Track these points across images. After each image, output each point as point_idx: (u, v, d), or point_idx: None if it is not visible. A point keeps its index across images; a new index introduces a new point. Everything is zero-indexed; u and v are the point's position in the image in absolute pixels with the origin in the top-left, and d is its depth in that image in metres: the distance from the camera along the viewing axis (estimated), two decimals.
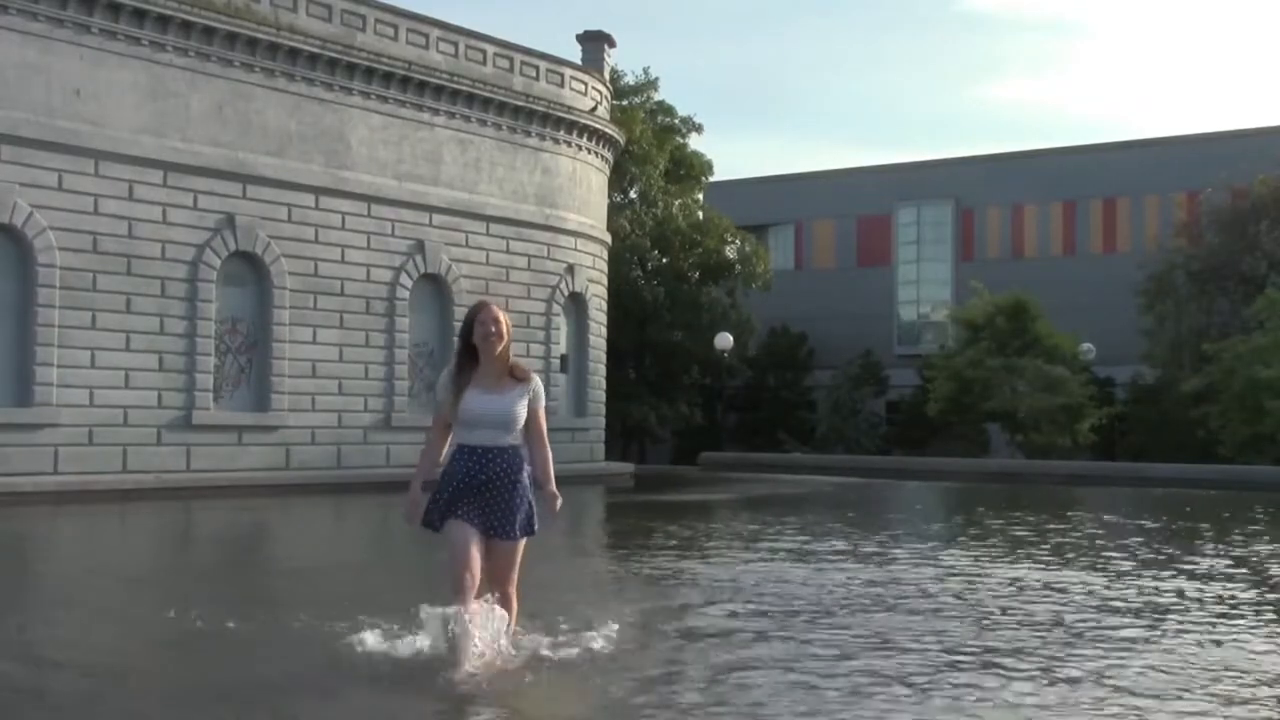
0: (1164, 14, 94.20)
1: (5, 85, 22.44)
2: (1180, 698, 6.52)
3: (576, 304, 32.99)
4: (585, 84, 33.15)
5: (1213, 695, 6.61)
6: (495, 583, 6.68)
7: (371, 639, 7.06)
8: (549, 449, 6.79)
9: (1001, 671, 7.09)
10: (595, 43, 35.40)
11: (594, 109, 33.21)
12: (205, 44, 25.07)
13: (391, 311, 28.27)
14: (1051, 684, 6.81)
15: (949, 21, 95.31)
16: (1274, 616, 9.58)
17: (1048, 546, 14.70)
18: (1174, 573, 12.07)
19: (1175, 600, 10.19)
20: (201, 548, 16.67)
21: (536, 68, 31.68)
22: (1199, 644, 8.12)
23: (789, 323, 49.62)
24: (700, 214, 45.62)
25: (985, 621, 8.91)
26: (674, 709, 6.20)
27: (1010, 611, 9.40)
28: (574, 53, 34.75)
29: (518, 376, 6.72)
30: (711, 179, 47.11)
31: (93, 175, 23.55)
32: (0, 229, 22.58)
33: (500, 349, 6.65)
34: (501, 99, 30.42)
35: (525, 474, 6.66)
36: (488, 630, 6.51)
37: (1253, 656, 7.73)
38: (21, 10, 22.56)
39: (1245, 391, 33.14)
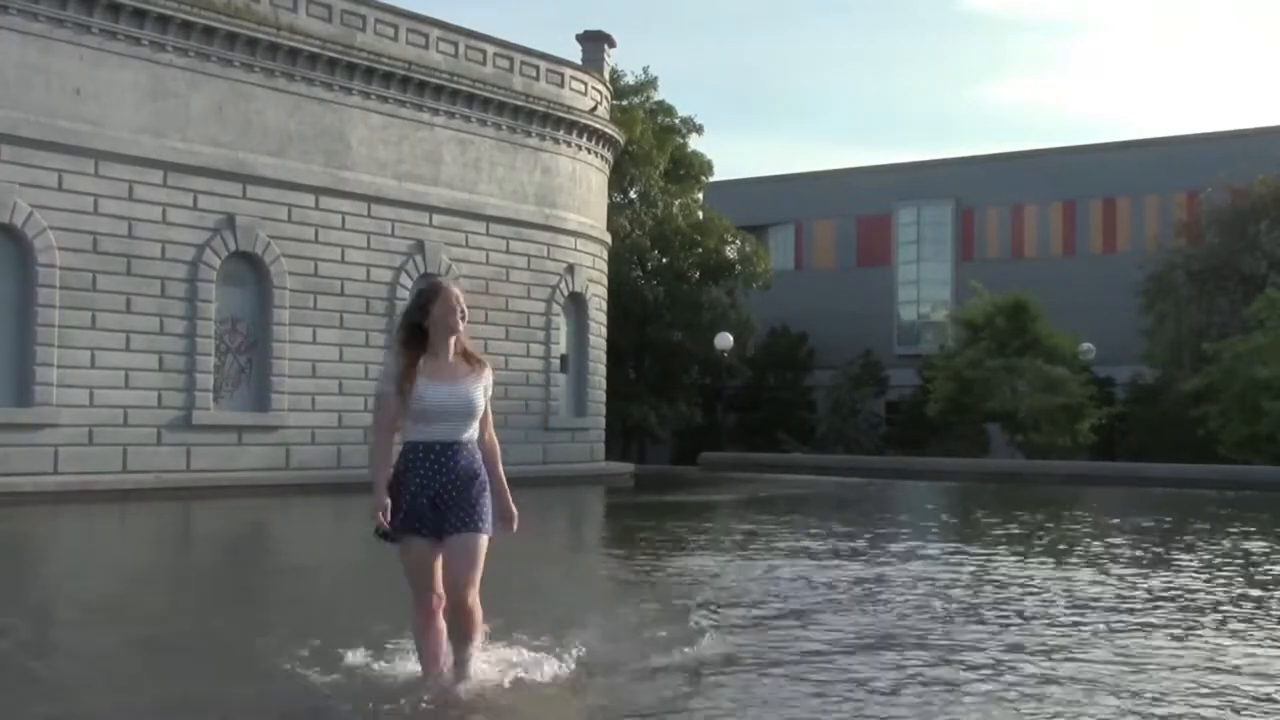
0: (1164, 14, 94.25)
1: (5, 85, 22.44)
2: (1150, 695, 6.53)
3: (576, 304, 32.99)
4: (585, 84, 33.15)
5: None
6: (452, 588, 5.88)
7: (351, 657, 6.69)
8: (498, 447, 6.14)
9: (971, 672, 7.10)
10: (595, 43, 35.39)
11: (594, 109, 33.21)
12: (205, 44, 25.07)
13: (391, 311, 28.23)
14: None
15: (949, 21, 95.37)
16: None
17: (1047, 545, 14.72)
18: (1171, 571, 12.08)
19: (1154, 599, 10.21)
20: (201, 548, 16.68)
21: (536, 68, 31.68)
22: (1172, 639, 8.14)
23: (789, 323, 49.61)
24: (700, 214, 45.62)
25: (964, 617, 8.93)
26: None
27: (1001, 606, 9.41)
28: (574, 53, 34.76)
29: (472, 363, 5.99)
30: (711, 179, 47.10)
31: (93, 175, 23.55)
32: (0, 229, 22.59)
33: (455, 335, 5.99)
34: (501, 99, 30.43)
35: (484, 470, 6.03)
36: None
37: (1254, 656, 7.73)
38: (21, 10, 22.57)
39: (1244, 391, 33.14)
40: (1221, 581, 11.46)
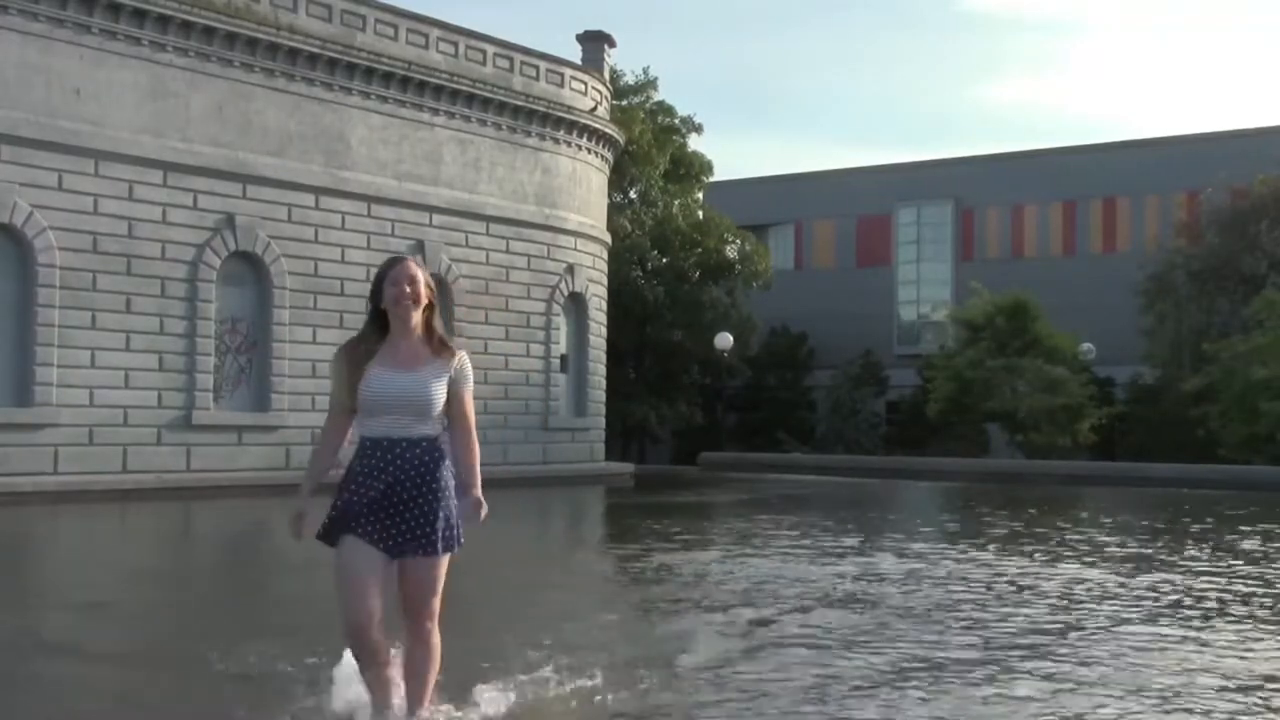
0: (1164, 14, 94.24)
1: (5, 85, 22.44)
2: (1125, 697, 6.54)
3: (576, 304, 32.99)
4: (585, 84, 33.16)
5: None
6: (410, 616, 5.27)
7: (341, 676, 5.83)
8: (476, 444, 5.29)
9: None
10: (595, 43, 35.40)
11: (594, 109, 33.22)
12: (205, 44, 25.08)
13: None
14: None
15: (949, 21, 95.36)
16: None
17: (1048, 543, 14.73)
18: (1164, 570, 12.10)
19: (1131, 598, 10.22)
20: (200, 548, 16.68)
21: (536, 68, 31.68)
22: (1156, 640, 8.15)
23: (789, 323, 49.60)
24: (700, 214, 45.61)
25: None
26: None
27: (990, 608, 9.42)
28: (574, 53, 34.77)
29: (437, 350, 5.21)
30: (711, 179, 47.09)
31: (93, 175, 23.55)
32: (0, 229, 22.59)
33: (417, 317, 5.18)
34: (501, 99, 30.43)
35: (446, 473, 5.19)
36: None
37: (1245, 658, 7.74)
38: (21, 10, 22.57)
39: (1244, 392, 33.15)
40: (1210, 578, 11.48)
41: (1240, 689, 6.79)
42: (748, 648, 7.84)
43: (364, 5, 28.01)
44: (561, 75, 32.37)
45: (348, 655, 5.35)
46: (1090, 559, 13.43)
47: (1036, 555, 13.66)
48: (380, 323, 5.20)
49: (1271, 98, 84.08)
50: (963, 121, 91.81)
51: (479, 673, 6.50)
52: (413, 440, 5.13)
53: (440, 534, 5.16)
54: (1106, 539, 16.12)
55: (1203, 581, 11.41)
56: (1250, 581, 11.55)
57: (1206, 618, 9.27)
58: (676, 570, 12.16)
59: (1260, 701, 6.52)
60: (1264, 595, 10.65)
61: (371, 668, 5.20)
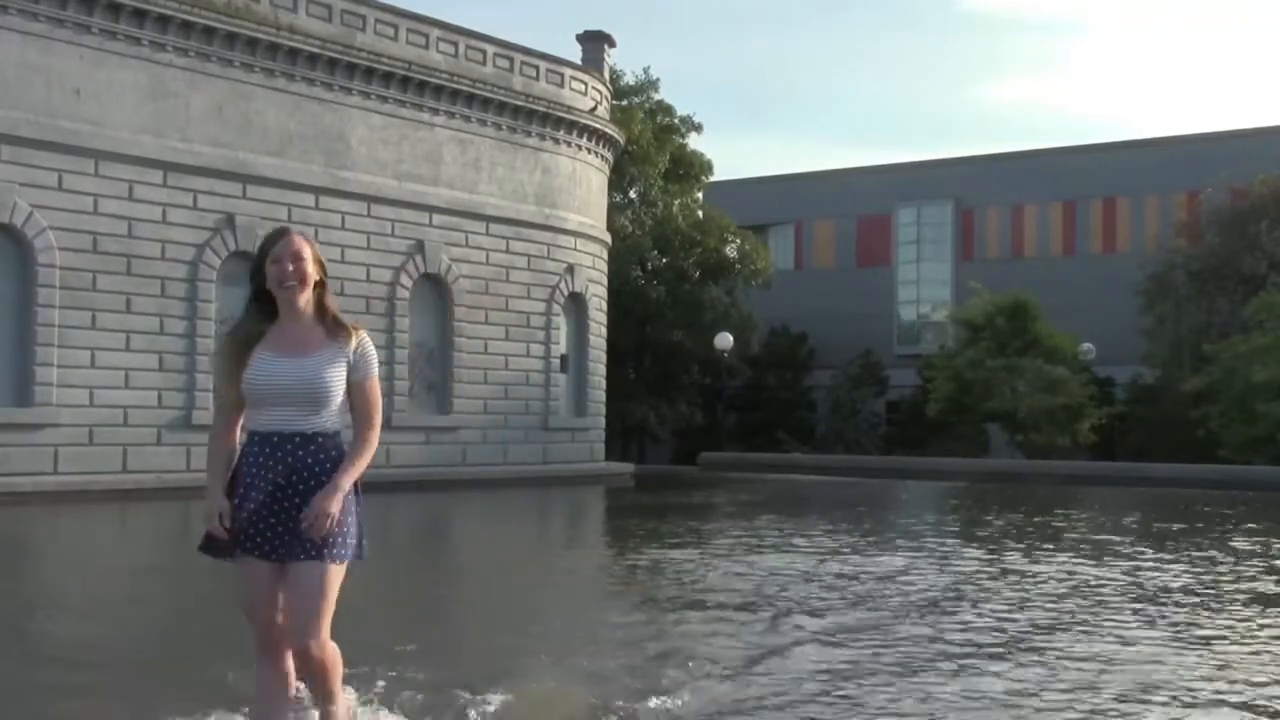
0: (1164, 14, 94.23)
1: (5, 85, 22.44)
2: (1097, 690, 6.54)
3: (576, 304, 32.99)
4: (585, 84, 33.15)
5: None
6: (292, 632, 4.54)
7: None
8: (372, 444, 4.58)
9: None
10: (595, 43, 35.39)
11: (594, 109, 33.21)
12: (205, 44, 25.07)
13: (391, 311, 28.27)
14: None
15: (949, 21, 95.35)
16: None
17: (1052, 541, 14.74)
18: (1149, 566, 12.11)
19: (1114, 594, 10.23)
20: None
21: (536, 68, 31.68)
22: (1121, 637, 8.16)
23: (789, 323, 49.59)
24: (700, 214, 45.60)
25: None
26: None
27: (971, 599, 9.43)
28: (574, 53, 34.76)
29: (331, 331, 4.58)
30: (711, 179, 47.09)
31: (93, 175, 23.55)
32: (0, 229, 22.59)
33: (306, 297, 4.56)
34: (501, 99, 30.42)
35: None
36: None
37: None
38: (21, 10, 22.57)
39: (1243, 393, 33.16)
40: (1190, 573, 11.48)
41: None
42: (755, 647, 7.84)
43: (364, 5, 28.00)
44: (561, 75, 32.36)
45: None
46: (1092, 556, 13.44)
47: (1033, 552, 13.67)
48: (266, 305, 4.58)
49: (1271, 98, 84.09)
50: (963, 121, 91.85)
51: (496, 674, 6.49)
52: (306, 435, 4.48)
53: (334, 539, 4.46)
54: (1092, 536, 16.12)
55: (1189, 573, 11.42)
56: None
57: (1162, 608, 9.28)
58: (678, 570, 12.16)
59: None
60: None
61: (267, 683, 4.67)
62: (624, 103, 41.79)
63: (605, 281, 34.72)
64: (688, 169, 45.31)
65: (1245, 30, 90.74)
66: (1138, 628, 8.81)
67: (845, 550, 14.06)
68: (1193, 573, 12.19)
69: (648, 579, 11.72)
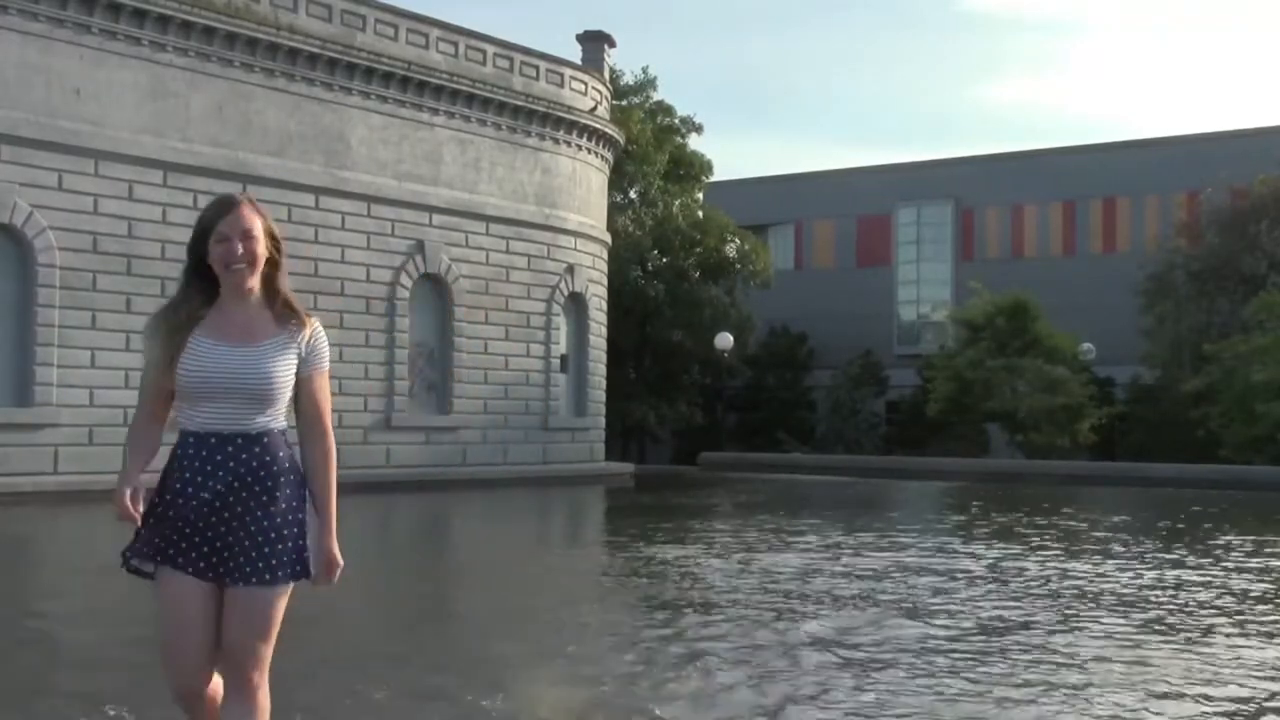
0: (1164, 14, 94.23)
1: (5, 85, 22.44)
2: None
3: (576, 304, 32.98)
4: (585, 84, 33.15)
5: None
6: (230, 662, 3.84)
7: None
8: (334, 455, 3.97)
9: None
10: (595, 43, 35.40)
11: (594, 109, 33.21)
12: (205, 44, 25.07)
13: (391, 311, 28.27)
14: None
15: (949, 21, 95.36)
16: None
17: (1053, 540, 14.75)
18: (1135, 565, 12.12)
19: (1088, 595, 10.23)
20: None
21: (536, 68, 31.68)
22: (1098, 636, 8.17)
23: (789, 323, 49.60)
24: (700, 214, 45.61)
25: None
26: None
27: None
28: (574, 53, 34.77)
29: (281, 318, 3.91)
30: (711, 179, 47.11)
31: (93, 175, 23.55)
32: (0, 229, 22.59)
33: (251, 280, 3.87)
34: (501, 99, 30.42)
35: (293, 479, 3.87)
36: None
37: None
38: (21, 10, 22.56)
39: (1243, 393, 33.17)
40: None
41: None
42: (755, 647, 7.84)
43: (364, 5, 28.00)
44: (561, 75, 32.36)
45: None
46: (1091, 555, 13.45)
47: (1027, 550, 13.68)
48: (204, 282, 3.86)
49: (1271, 98, 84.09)
50: (963, 121, 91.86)
51: (494, 676, 6.48)
52: (250, 436, 3.81)
53: (278, 559, 3.78)
54: (1078, 535, 16.13)
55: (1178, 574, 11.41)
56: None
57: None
58: (678, 571, 12.16)
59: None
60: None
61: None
62: (623, 102, 41.80)
63: (605, 281, 34.72)
64: (688, 169, 45.34)
65: (1245, 30, 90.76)
66: (1122, 625, 8.82)
67: (844, 550, 14.06)
68: (1168, 572, 12.19)
69: (648, 580, 11.72)
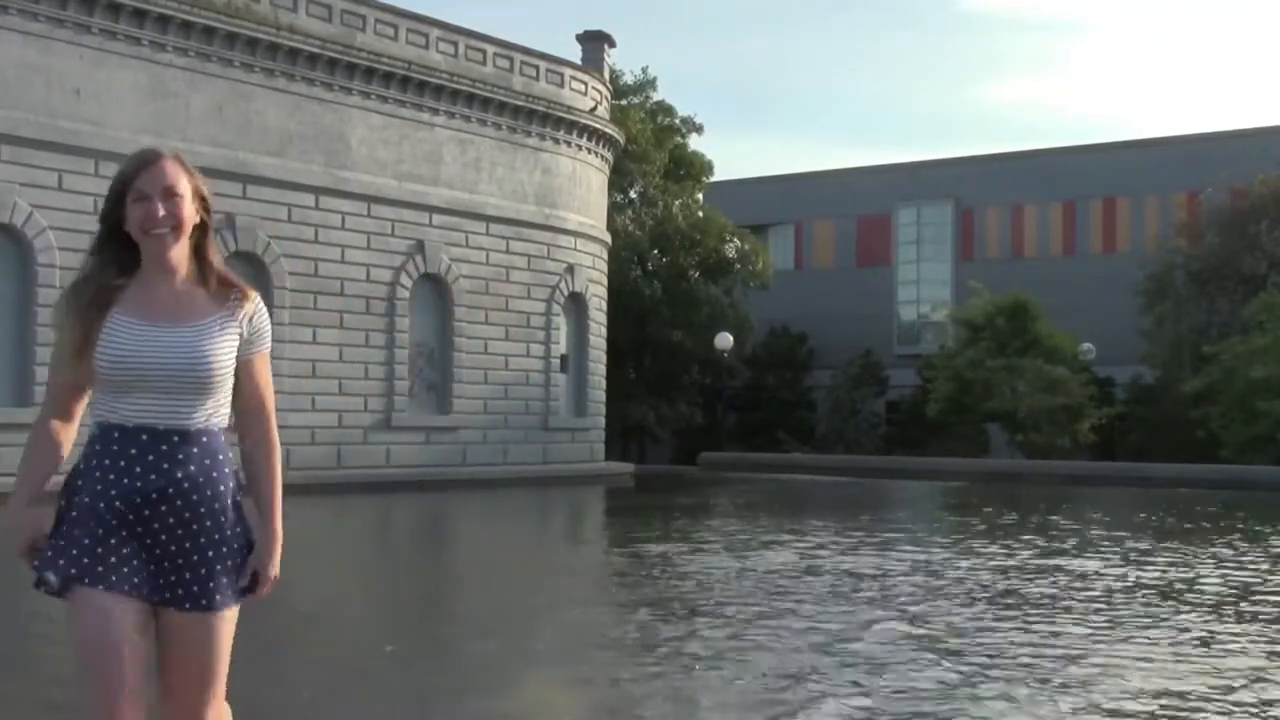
0: (1164, 14, 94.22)
1: (5, 85, 22.44)
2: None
3: (576, 304, 32.99)
4: (585, 84, 33.15)
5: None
6: (174, 696, 3.23)
7: None
8: (278, 451, 3.35)
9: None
10: (595, 43, 35.40)
11: (594, 109, 33.21)
12: (205, 44, 25.07)
13: (391, 311, 28.27)
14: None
15: (949, 21, 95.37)
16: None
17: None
18: (1120, 562, 12.13)
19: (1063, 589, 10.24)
20: None
21: (536, 68, 31.68)
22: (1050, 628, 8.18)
23: (789, 323, 49.59)
24: (700, 214, 45.61)
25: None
26: None
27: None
28: (574, 53, 34.77)
29: (217, 292, 3.28)
30: (711, 179, 47.11)
31: (93, 175, 23.53)
32: (0, 229, 22.59)
33: (179, 249, 3.25)
34: (501, 99, 30.42)
35: (233, 484, 3.24)
36: None
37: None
38: (21, 10, 22.57)
39: (1243, 393, 33.18)
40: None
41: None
42: (754, 649, 7.84)
43: (364, 5, 28.00)
44: (561, 75, 32.36)
45: None
46: (1087, 552, 13.45)
47: (1024, 548, 13.68)
48: (122, 252, 3.27)
49: (1271, 98, 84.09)
50: (963, 121, 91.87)
51: (491, 678, 6.49)
52: (187, 434, 3.16)
53: (224, 581, 3.18)
54: (1099, 533, 16.14)
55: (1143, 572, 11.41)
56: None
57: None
58: (678, 572, 12.16)
59: None
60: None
61: None
62: (623, 102, 41.80)
63: (605, 281, 34.72)
64: (687, 169, 45.34)
65: (1245, 30, 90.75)
66: (1102, 623, 8.82)
67: (843, 550, 14.06)
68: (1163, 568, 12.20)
69: (647, 580, 11.73)
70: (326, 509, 21.69)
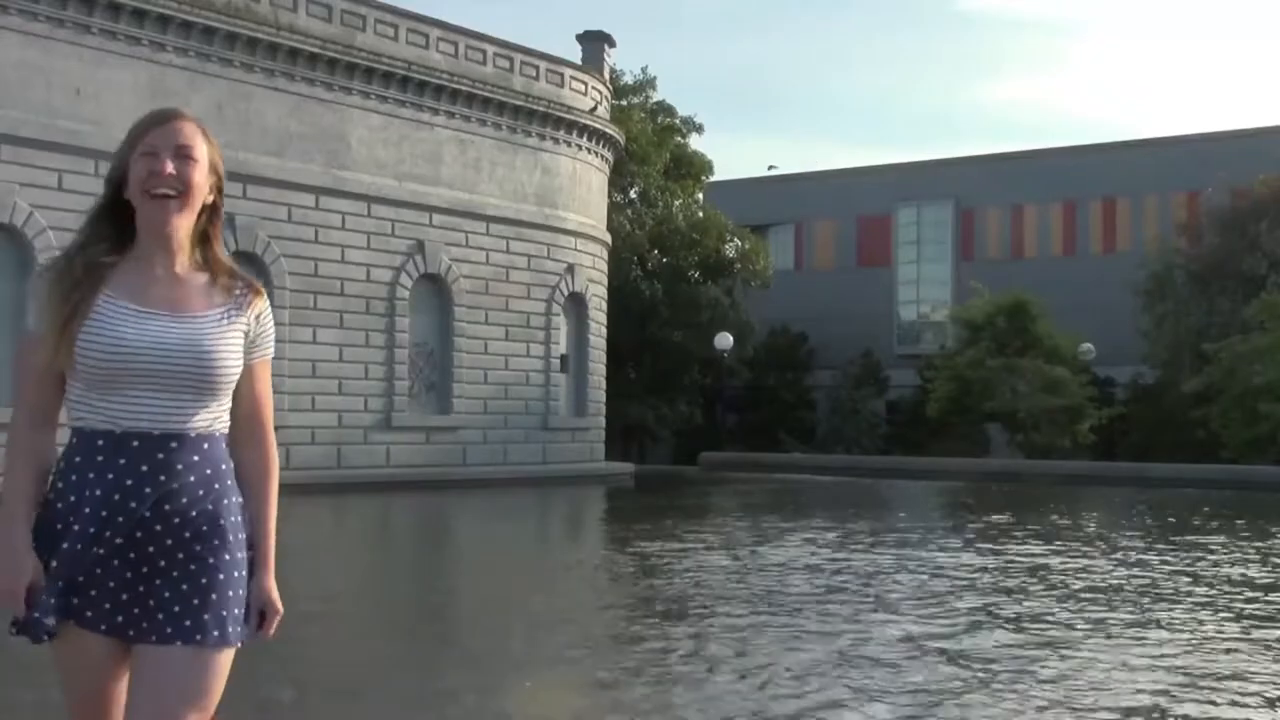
0: (1163, 14, 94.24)
1: (5, 85, 22.44)
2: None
3: (576, 304, 32.98)
4: (585, 84, 33.15)
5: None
6: None
7: None
8: (275, 457, 2.90)
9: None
10: (595, 43, 35.40)
11: (594, 109, 33.21)
12: (205, 44, 25.08)
13: (391, 311, 28.27)
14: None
15: (948, 21, 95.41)
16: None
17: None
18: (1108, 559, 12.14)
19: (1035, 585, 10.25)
20: None
21: (536, 68, 31.68)
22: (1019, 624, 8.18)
23: (789, 323, 49.58)
24: (700, 213, 45.61)
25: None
26: None
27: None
28: (574, 53, 34.78)
29: (226, 285, 2.84)
30: (711, 179, 47.12)
31: (93, 175, 23.49)
32: (0, 229, 22.59)
33: (184, 223, 2.81)
34: (501, 99, 30.42)
35: (236, 504, 2.76)
36: None
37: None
38: (21, 10, 22.57)
39: (1244, 394, 33.17)
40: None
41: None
42: (755, 650, 7.84)
43: (364, 5, 28.00)
44: (561, 75, 32.36)
45: None
46: (1083, 550, 13.46)
47: (1023, 548, 13.70)
48: (119, 227, 2.77)
49: (1271, 98, 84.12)
50: (963, 121, 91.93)
51: (491, 679, 6.47)
52: (186, 440, 2.69)
53: (220, 614, 2.68)
54: (1093, 531, 16.14)
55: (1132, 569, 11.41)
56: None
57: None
58: (677, 573, 12.16)
59: None
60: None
61: None
62: (623, 102, 41.80)
63: (605, 281, 34.72)
64: (688, 169, 45.34)
65: (1245, 30, 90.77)
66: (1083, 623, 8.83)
67: (842, 550, 14.07)
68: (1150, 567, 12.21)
69: (647, 580, 11.73)
70: (326, 509, 21.69)
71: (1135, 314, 40.69)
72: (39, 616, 2.60)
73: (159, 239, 2.74)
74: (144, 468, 2.64)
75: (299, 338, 26.42)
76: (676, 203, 44.59)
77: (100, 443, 2.65)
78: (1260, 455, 32.66)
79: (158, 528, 2.64)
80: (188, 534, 2.66)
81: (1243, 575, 12.14)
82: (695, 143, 46.07)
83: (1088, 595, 10.56)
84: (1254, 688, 6.88)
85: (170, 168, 2.74)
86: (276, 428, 2.93)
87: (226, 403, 2.77)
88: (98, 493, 2.62)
